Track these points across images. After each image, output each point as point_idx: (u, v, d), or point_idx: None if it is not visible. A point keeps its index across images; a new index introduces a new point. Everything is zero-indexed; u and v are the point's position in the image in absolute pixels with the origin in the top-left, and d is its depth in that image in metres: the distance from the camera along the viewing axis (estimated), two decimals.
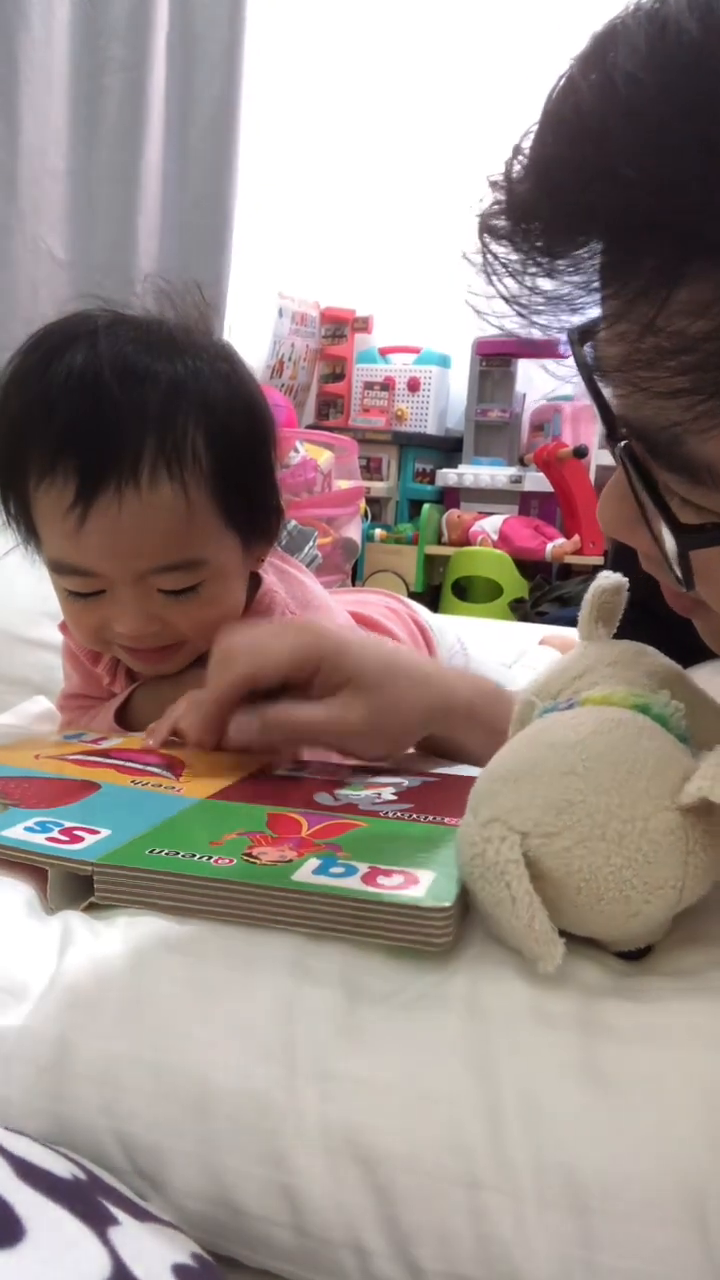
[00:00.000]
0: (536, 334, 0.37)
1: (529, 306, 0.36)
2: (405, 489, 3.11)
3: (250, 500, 0.72)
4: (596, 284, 0.35)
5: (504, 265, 0.35)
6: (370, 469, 3.00)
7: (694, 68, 0.30)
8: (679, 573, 0.39)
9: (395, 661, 0.63)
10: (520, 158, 0.35)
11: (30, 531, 0.72)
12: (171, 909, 0.43)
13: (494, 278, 0.36)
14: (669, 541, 0.38)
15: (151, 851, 0.45)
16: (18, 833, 0.47)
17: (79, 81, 2.26)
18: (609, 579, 0.49)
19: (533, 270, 0.35)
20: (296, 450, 2.17)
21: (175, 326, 0.71)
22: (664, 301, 0.32)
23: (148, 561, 0.68)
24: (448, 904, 0.39)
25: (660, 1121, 0.33)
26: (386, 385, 3.11)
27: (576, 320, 0.37)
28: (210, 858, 0.44)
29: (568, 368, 0.40)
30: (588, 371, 0.38)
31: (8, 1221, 0.24)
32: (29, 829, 0.48)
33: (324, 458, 2.23)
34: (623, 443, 0.39)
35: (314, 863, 0.43)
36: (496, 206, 0.35)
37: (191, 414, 0.67)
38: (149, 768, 0.59)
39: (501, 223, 0.35)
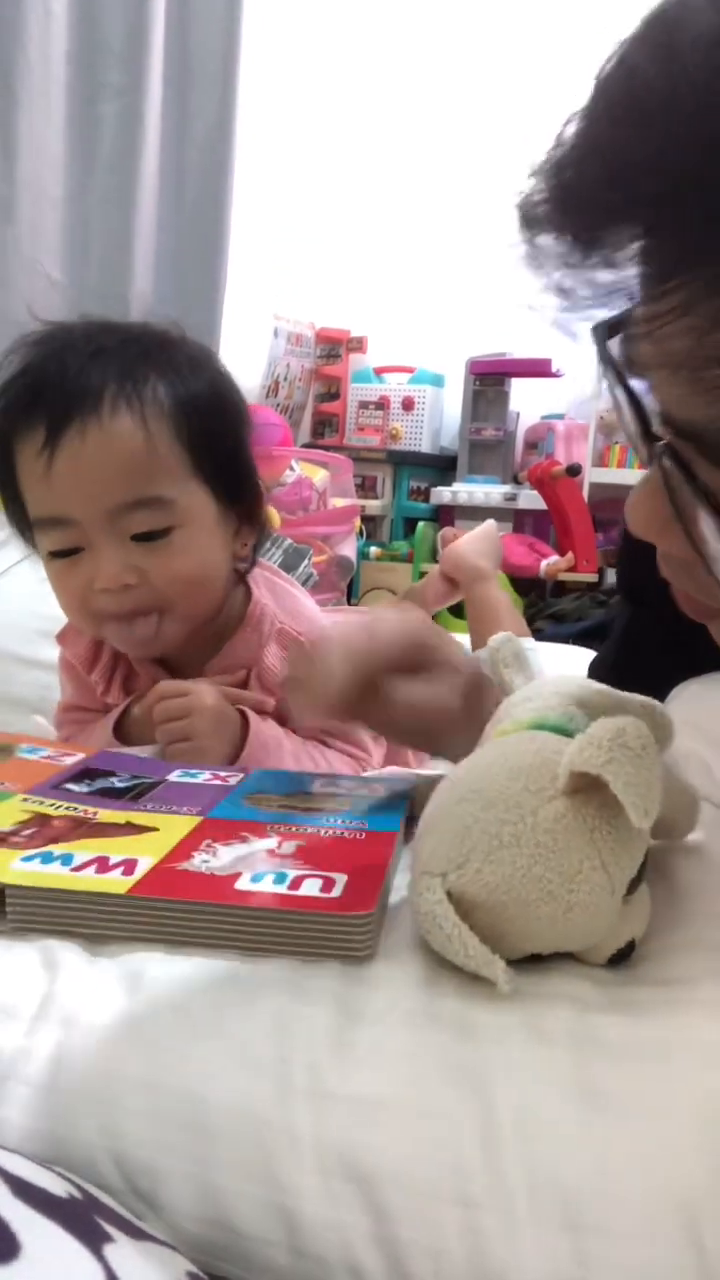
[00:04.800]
0: (579, 327, 0.35)
1: (577, 298, 0.34)
2: (400, 507, 3.12)
3: (217, 456, 0.75)
4: (646, 274, 0.33)
5: (557, 256, 0.34)
6: (365, 487, 3.01)
7: None
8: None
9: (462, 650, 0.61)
10: (561, 148, 0.33)
11: (22, 506, 0.76)
12: (91, 935, 0.41)
13: (542, 270, 0.34)
14: (714, 543, 0.37)
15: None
16: None
17: (75, 108, 2.28)
18: (496, 638, 0.52)
19: (592, 261, 0.34)
20: (292, 469, 2.18)
21: (155, 327, 0.78)
22: None
23: (113, 496, 0.71)
24: (370, 910, 0.40)
25: (654, 1137, 0.33)
26: (381, 404, 3.12)
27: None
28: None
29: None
30: (616, 368, 0.37)
31: (3, 1238, 0.24)
32: None
33: (319, 476, 2.24)
34: (663, 442, 0.37)
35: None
36: (541, 196, 0.34)
37: (153, 369, 0.73)
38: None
39: (545, 211, 0.33)
